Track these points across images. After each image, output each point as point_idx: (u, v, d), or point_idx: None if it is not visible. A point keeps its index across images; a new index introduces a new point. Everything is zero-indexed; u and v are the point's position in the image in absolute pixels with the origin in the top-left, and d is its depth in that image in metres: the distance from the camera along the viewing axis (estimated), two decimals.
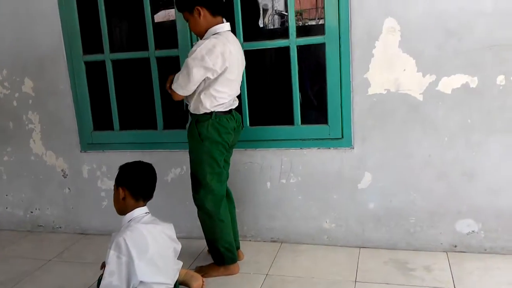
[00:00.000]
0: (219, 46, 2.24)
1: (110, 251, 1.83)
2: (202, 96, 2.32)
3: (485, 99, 2.43)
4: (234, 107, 2.46)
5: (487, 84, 2.41)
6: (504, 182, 2.50)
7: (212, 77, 2.28)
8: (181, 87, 2.31)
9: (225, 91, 2.34)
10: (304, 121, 2.78)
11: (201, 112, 2.35)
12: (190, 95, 2.37)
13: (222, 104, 2.35)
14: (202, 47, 2.24)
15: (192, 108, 2.39)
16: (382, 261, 2.59)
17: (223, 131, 2.37)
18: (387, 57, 2.51)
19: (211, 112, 2.34)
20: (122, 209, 1.97)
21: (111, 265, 1.82)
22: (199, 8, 2.30)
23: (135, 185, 1.96)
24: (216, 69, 2.26)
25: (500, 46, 2.36)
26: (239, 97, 2.56)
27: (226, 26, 2.37)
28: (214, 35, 2.30)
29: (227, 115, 2.40)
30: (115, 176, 2.07)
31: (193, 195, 2.48)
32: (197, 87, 2.33)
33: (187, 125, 2.50)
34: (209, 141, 2.35)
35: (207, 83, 2.30)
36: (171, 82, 2.37)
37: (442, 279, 2.37)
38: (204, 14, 2.31)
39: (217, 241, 2.48)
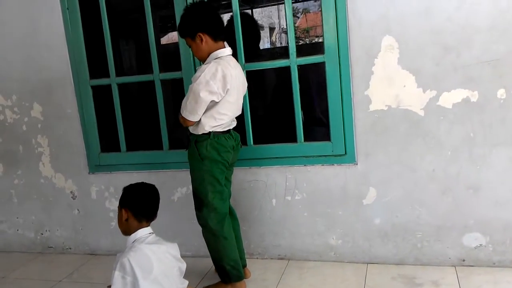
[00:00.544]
0: (221, 70, 2.28)
1: (115, 272, 1.85)
2: (202, 118, 2.36)
3: (487, 112, 2.43)
4: (232, 127, 2.49)
5: (488, 98, 2.42)
6: (510, 195, 2.48)
7: (217, 100, 2.32)
8: (191, 112, 2.33)
9: (226, 113, 2.38)
10: (307, 138, 2.79)
11: (200, 133, 2.38)
12: None
13: (221, 125, 2.39)
14: (206, 72, 2.28)
15: (191, 129, 2.43)
16: (390, 276, 2.58)
17: (222, 150, 2.40)
18: (386, 74, 2.53)
19: (209, 132, 2.37)
20: (126, 230, 2.00)
21: (117, 286, 1.84)
22: (201, 34, 2.34)
23: (137, 207, 1.98)
24: (220, 92, 2.30)
25: (499, 61, 2.36)
26: (241, 116, 2.60)
27: (227, 50, 2.42)
28: (216, 60, 2.34)
29: (226, 134, 2.43)
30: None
31: (196, 213, 2.50)
32: None
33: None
34: (209, 160, 2.38)
35: (209, 106, 2.34)
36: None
37: None
38: (206, 40, 2.35)
39: (222, 259, 2.49)
